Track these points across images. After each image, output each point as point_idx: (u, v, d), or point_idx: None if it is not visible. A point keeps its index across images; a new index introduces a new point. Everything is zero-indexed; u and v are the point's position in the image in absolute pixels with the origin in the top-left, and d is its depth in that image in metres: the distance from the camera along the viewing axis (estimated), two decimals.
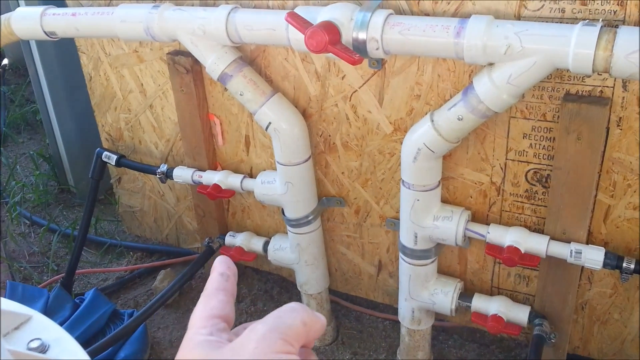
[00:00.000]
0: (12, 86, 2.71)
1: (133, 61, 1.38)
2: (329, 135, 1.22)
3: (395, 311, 1.31)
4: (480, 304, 1.17)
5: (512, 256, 1.04)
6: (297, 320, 0.37)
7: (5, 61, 2.80)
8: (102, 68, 1.43)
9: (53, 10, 1.25)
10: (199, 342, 0.38)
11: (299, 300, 1.45)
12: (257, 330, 0.36)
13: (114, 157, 1.45)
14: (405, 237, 1.15)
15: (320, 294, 1.41)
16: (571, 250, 1.01)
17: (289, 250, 1.36)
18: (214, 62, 1.14)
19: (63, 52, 1.74)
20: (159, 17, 1.13)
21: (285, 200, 1.27)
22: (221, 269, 0.44)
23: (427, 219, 1.11)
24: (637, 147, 0.94)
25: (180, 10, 1.13)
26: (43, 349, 0.53)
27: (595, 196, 1.01)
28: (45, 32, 1.27)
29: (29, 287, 1.50)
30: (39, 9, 1.26)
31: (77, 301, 1.46)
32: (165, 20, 1.13)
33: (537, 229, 1.09)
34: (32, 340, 0.54)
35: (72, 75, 1.73)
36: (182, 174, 1.38)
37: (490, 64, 0.90)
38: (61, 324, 1.39)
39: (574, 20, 0.88)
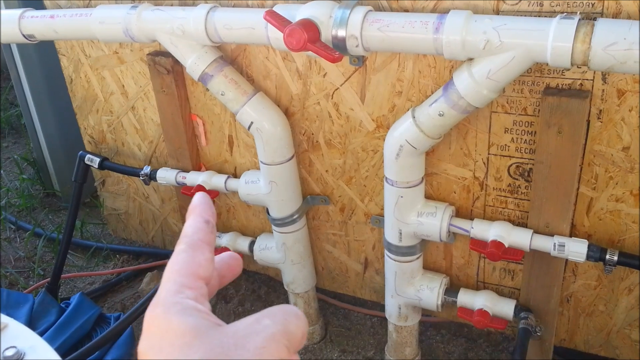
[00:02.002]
0: None
1: (114, 63, 1.37)
2: (312, 134, 1.22)
3: (382, 308, 1.31)
4: (466, 298, 1.17)
5: (495, 251, 1.04)
6: (300, 331, 0.34)
7: None
8: (83, 70, 1.42)
9: (31, 12, 1.24)
10: (183, 308, 0.32)
11: (286, 299, 1.45)
12: (266, 327, 0.32)
13: (97, 159, 1.44)
14: (390, 234, 1.15)
15: (307, 292, 1.40)
16: (554, 243, 1.01)
17: (274, 250, 1.35)
18: (194, 62, 1.14)
19: (45, 54, 1.72)
20: (137, 18, 1.12)
21: (270, 199, 1.26)
22: (207, 214, 0.38)
23: (411, 216, 1.11)
24: (617, 140, 0.94)
25: (158, 10, 1.12)
26: (19, 356, 0.53)
27: (578, 189, 1.02)
28: (24, 35, 1.25)
29: (13, 293, 1.48)
30: (17, 11, 1.24)
31: (63, 306, 1.45)
32: (143, 20, 1.12)
33: (521, 223, 1.09)
34: (7, 349, 0.54)
35: (54, 78, 1.71)
36: (166, 175, 1.37)
37: (470, 59, 0.90)
38: (47, 329, 1.38)
39: (552, 14, 0.88)
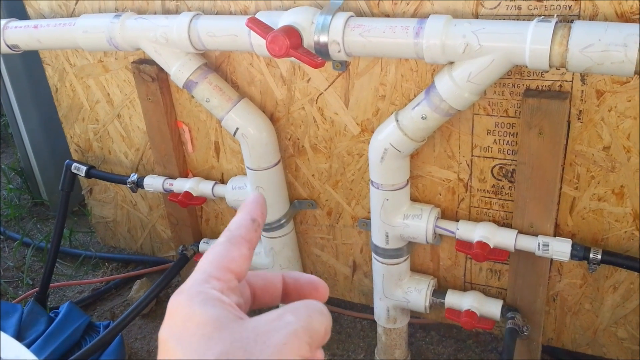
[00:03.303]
0: None
1: (98, 71, 1.37)
2: (298, 139, 1.22)
3: (372, 311, 1.31)
4: (454, 300, 1.18)
5: (481, 251, 1.05)
6: (323, 327, 0.33)
7: None
8: (68, 79, 1.42)
9: (15, 23, 1.24)
10: (207, 298, 0.32)
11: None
12: (288, 323, 0.32)
13: (84, 168, 1.44)
14: (377, 237, 1.16)
15: None
16: (539, 243, 1.02)
17: (263, 255, 1.36)
18: (179, 70, 1.14)
19: (30, 63, 1.72)
20: (120, 27, 1.13)
21: None
22: (255, 213, 0.38)
23: (397, 218, 1.12)
24: (598, 140, 0.95)
25: (142, 18, 1.12)
26: None
27: (560, 189, 1.03)
28: (8, 46, 1.25)
29: (2, 303, 1.48)
30: (1, 22, 1.24)
31: (52, 315, 1.44)
32: (127, 29, 1.13)
33: (506, 224, 1.10)
34: None
35: (40, 87, 1.71)
36: (153, 182, 1.37)
37: (451, 63, 0.91)
38: (36, 339, 1.37)
39: (530, 17, 0.89)
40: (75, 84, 1.42)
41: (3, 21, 1.24)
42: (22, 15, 1.35)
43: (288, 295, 0.39)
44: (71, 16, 1.29)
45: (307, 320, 0.32)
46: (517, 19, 0.91)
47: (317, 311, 0.33)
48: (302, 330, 0.31)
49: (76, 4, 1.28)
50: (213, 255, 0.35)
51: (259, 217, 0.38)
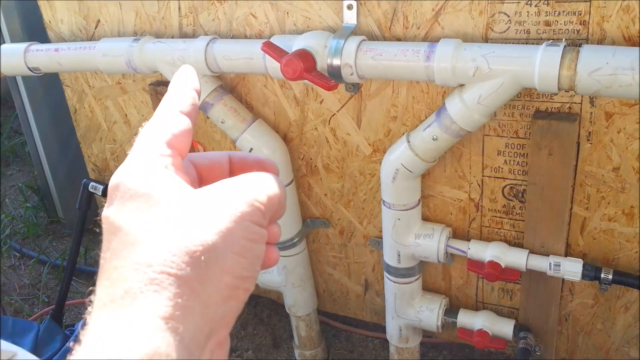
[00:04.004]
0: (1, 118, 2.73)
1: (116, 93, 1.40)
2: (311, 158, 1.25)
3: (384, 330, 1.32)
4: (466, 319, 1.18)
5: (492, 271, 1.06)
6: (276, 197, 0.33)
7: None
8: (87, 100, 1.46)
9: (36, 46, 1.28)
10: (157, 169, 0.31)
11: (289, 322, 1.46)
12: (242, 189, 0.32)
13: (100, 187, 1.46)
14: (389, 256, 1.17)
15: (309, 315, 1.41)
16: (550, 263, 1.03)
17: (275, 273, 1.37)
18: None
19: (48, 84, 1.76)
20: (139, 50, 1.16)
21: None
22: (195, 83, 0.36)
23: (408, 238, 1.13)
24: (607, 160, 0.97)
25: (160, 42, 1.16)
26: None
27: (571, 209, 1.04)
28: (29, 68, 1.29)
29: (19, 321, 1.50)
30: (23, 45, 1.28)
31: (68, 333, 1.46)
32: (145, 52, 1.16)
33: (517, 243, 1.11)
34: None
35: (58, 107, 1.75)
36: None
37: (461, 85, 0.93)
38: (52, 356, 1.39)
39: (539, 41, 0.91)
40: (93, 105, 1.45)
41: (25, 44, 1.28)
42: (43, 38, 1.39)
43: (235, 175, 0.37)
44: (91, 39, 1.33)
45: (259, 188, 0.32)
46: (526, 43, 0.93)
47: (268, 180, 0.33)
48: (253, 198, 0.31)
49: (96, 27, 1.32)
50: (154, 128, 0.33)
51: (196, 88, 0.36)
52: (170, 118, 0.34)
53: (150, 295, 0.28)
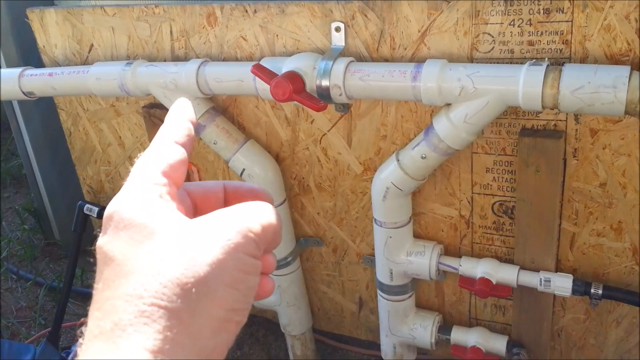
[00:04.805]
0: None
1: (110, 115, 1.42)
2: (303, 178, 1.26)
3: (379, 347, 1.32)
4: (459, 336, 1.19)
5: (484, 288, 1.06)
6: (271, 227, 0.33)
7: None
8: (81, 123, 1.47)
9: (31, 71, 1.30)
10: (152, 198, 0.31)
11: (284, 341, 1.46)
12: (235, 220, 0.32)
13: (96, 209, 1.47)
14: (382, 274, 1.18)
15: (304, 334, 1.42)
16: (540, 279, 1.04)
17: None
18: None
19: (44, 106, 1.77)
20: (132, 74, 1.18)
21: None
22: (191, 114, 0.36)
23: (400, 255, 1.14)
24: (594, 176, 0.98)
25: (152, 66, 1.17)
26: None
27: (560, 225, 1.05)
28: (23, 93, 1.30)
29: (15, 344, 1.50)
30: (17, 70, 1.30)
31: (64, 355, 1.46)
32: (138, 76, 1.18)
33: (508, 259, 1.12)
34: None
35: (53, 129, 1.76)
36: None
37: (448, 105, 0.95)
38: None
39: (523, 60, 0.93)
40: (88, 127, 1.47)
41: (19, 69, 1.30)
42: (37, 62, 1.41)
43: (229, 204, 0.37)
44: (85, 63, 1.35)
45: (253, 217, 0.32)
46: (511, 62, 0.95)
47: (263, 209, 0.33)
48: (247, 228, 0.31)
49: (89, 51, 1.33)
50: (148, 161, 0.33)
51: (191, 120, 0.36)
52: (166, 148, 0.34)
53: (140, 327, 0.27)
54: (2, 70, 1.34)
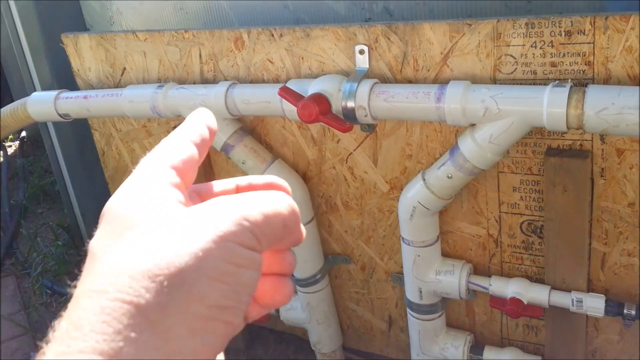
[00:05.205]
0: (31, 158, 2.83)
1: (142, 135, 1.45)
2: (330, 196, 1.27)
3: None
4: (492, 356, 1.18)
5: (515, 308, 1.05)
6: (279, 218, 0.29)
7: (23, 134, 2.93)
8: (114, 143, 1.51)
9: (66, 93, 1.34)
10: (148, 191, 0.28)
11: (315, 359, 1.46)
12: (225, 205, 0.28)
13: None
14: (411, 292, 1.18)
15: (335, 352, 1.42)
16: (572, 299, 1.02)
17: (300, 310, 1.39)
18: (216, 134, 1.20)
19: (77, 124, 1.83)
20: (163, 96, 1.21)
21: None
22: (210, 120, 0.34)
23: (429, 274, 1.14)
24: (622, 196, 0.96)
25: (182, 88, 1.20)
26: None
27: (590, 244, 1.03)
28: (59, 114, 1.35)
29: None
30: (53, 93, 1.34)
31: None
32: (169, 98, 1.21)
33: (539, 279, 1.11)
34: None
35: (86, 147, 1.81)
36: None
37: (472, 125, 0.95)
38: None
39: (546, 81, 0.92)
40: (120, 147, 1.51)
41: (55, 92, 1.35)
42: (70, 84, 1.45)
43: None
44: (117, 86, 1.39)
45: (254, 205, 0.28)
46: (534, 83, 0.94)
47: (269, 197, 0.29)
48: (242, 216, 0.27)
49: (122, 74, 1.37)
50: (154, 154, 0.31)
51: (209, 125, 0.34)
52: (178, 144, 0.32)
53: (98, 326, 0.24)
54: (38, 93, 1.39)
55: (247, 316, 0.31)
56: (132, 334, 0.24)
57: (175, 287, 0.25)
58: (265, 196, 0.30)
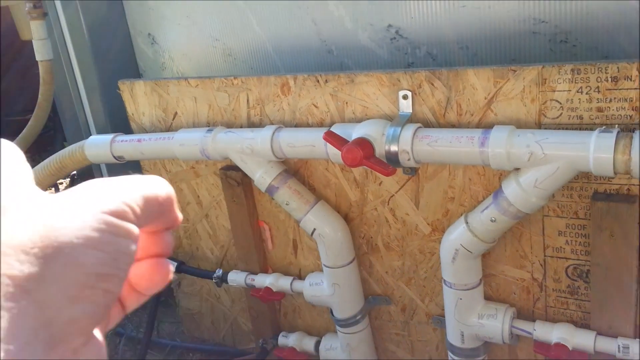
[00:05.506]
0: None
1: (190, 176, 1.51)
2: (371, 237, 1.28)
3: None
4: None
5: (560, 353, 1.04)
6: (155, 200, 0.30)
7: (74, 172, 3.04)
8: None
9: (121, 137, 1.41)
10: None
11: None
12: (95, 184, 0.29)
13: (175, 264, 1.55)
14: (452, 336, 1.17)
15: None
16: (619, 345, 1.01)
17: (340, 350, 1.39)
18: (262, 176, 1.25)
19: (129, 164, 1.90)
20: (212, 140, 1.26)
21: (333, 301, 1.31)
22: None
23: (471, 318, 1.13)
24: None
25: (230, 132, 1.25)
26: None
27: (638, 290, 1.02)
28: (114, 157, 1.41)
29: None
30: (109, 136, 1.41)
31: None
32: (217, 142, 1.26)
33: (584, 324, 1.09)
34: None
35: None
36: (236, 278, 1.46)
37: (517, 169, 0.96)
38: None
39: (592, 126, 0.93)
40: None
41: (111, 135, 1.41)
42: (124, 127, 1.53)
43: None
44: (169, 129, 1.45)
45: (132, 187, 0.29)
46: (580, 128, 0.95)
47: (148, 181, 0.30)
48: (120, 195, 0.28)
49: (173, 118, 1.44)
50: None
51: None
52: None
53: None
54: (95, 136, 1.46)
55: (125, 305, 0.32)
56: (8, 303, 0.24)
57: (51, 257, 0.25)
58: (144, 179, 0.31)
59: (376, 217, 1.26)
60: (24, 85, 3.30)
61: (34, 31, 2.14)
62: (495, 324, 1.12)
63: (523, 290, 1.14)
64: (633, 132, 0.84)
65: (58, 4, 1.69)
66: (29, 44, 1.94)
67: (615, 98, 0.91)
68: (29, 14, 2.10)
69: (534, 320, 1.11)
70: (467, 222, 1.06)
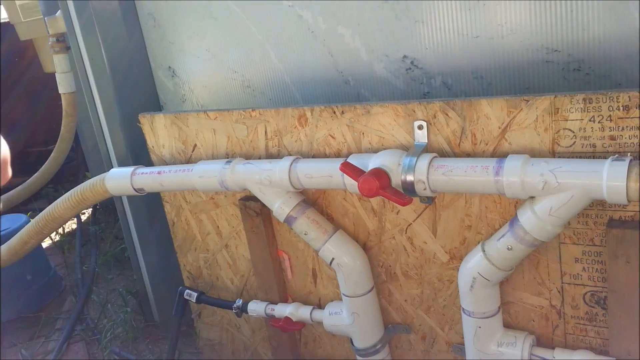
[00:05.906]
0: (103, 224, 2.98)
1: (210, 207, 1.54)
2: (390, 266, 1.30)
3: None
4: None
5: None
6: None
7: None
8: (184, 214, 1.60)
9: (142, 169, 1.45)
10: None
11: None
12: None
13: (195, 294, 1.57)
14: None
15: None
16: None
17: None
18: (280, 207, 1.27)
19: (149, 195, 1.93)
20: (231, 172, 1.29)
21: (353, 330, 1.32)
22: None
23: (491, 345, 1.13)
24: None
25: (249, 164, 1.28)
26: None
27: None
28: (134, 189, 1.45)
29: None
30: (130, 169, 1.45)
31: None
32: (236, 173, 1.29)
33: (604, 351, 1.09)
34: None
35: (157, 217, 1.91)
36: (256, 308, 1.47)
37: (532, 197, 0.97)
38: None
39: (605, 154, 0.95)
40: (189, 218, 1.59)
41: (131, 168, 1.45)
42: (144, 158, 1.56)
43: None
44: (188, 161, 1.49)
45: None
46: (593, 156, 0.97)
47: None
48: None
49: (193, 150, 1.48)
50: None
51: None
52: None
53: None
54: (116, 169, 1.50)
55: None
56: None
57: None
58: None
59: (394, 246, 1.27)
60: (47, 117, 3.40)
61: (57, 64, 2.21)
62: (514, 352, 1.12)
63: (542, 318, 1.14)
64: None
65: (80, 38, 1.75)
66: (51, 76, 2.01)
67: (627, 126, 0.92)
68: (52, 47, 2.17)
69: (553, 348, 1.11)
70: (484, 250, 1.07)
